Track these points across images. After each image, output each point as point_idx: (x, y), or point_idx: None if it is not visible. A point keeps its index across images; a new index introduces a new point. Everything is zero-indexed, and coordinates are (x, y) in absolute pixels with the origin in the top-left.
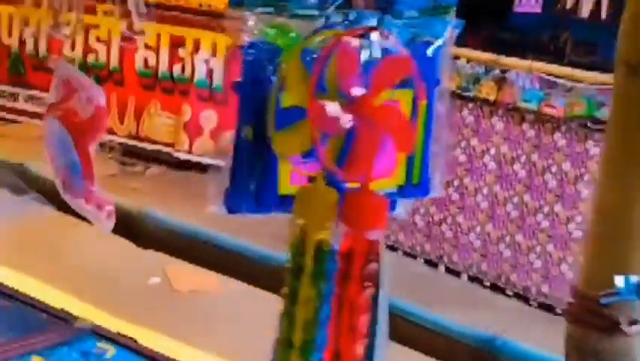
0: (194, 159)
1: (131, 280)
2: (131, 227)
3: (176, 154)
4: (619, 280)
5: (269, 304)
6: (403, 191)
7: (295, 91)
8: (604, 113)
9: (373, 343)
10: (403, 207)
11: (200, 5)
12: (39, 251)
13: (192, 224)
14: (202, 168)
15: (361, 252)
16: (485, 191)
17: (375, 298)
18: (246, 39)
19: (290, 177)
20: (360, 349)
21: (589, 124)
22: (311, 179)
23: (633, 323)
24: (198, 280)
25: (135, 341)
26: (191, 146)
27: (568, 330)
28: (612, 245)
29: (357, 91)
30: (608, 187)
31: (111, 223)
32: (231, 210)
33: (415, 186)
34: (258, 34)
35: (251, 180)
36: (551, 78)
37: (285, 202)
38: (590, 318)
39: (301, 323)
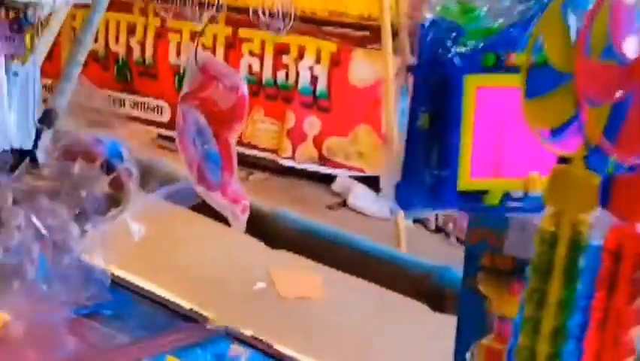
0: (297, 165)
1: (237, 283)
2: (263, 226)
3: (279, 160)
4: None
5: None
6: None
7: (555, 50)
8: None
9: None
10: None
11: (304, 12)
12: (162, 250)
13: (327, 225)
14: (305, 175)
15: (633, 250)
16: None
17: None
18: (426, 16)
19: (471, 170)
20: None
21: None
22: (566, 160)
23: None
24: (304, 286)
25: (270, 346)
26: (294, 152)
27: None
28: None
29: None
30: None
31: (245, 218)
32: (404, 206)
33: None
34: (440, 11)
35: (426, 174)
36: None
37: (464, 199)
38: None
39: (548, 331)
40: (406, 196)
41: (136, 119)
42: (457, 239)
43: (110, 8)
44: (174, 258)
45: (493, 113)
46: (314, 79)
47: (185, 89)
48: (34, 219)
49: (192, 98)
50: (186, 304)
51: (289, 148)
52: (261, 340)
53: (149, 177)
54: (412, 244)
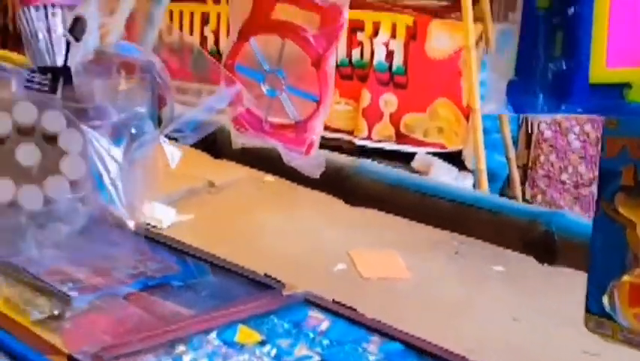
0: (374, 145)
1: (316, 265)
2: (342, 181)
3: (355, 141)
4: None
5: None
6: None
7: None
8: None
9: None
10: None
11: None
12: (223, 232)
13: (412, 176)
14: (382, 154)
15: None
16: None
17: None
18: None
19: (607, 58)
20: None
21: None
22: None
23: None
24: (387, 266)
25: (355, 310)
26: (370, 132)
27: None
28: None
29: None
30: None
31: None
32: (519, 107)
33: None
34: None
35: (547, 65)
36: None
37: (597, 94)
38: None
39: None
40: (521, 95)
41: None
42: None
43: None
44: (250, 242)
45: None
46: (389, 54)
47: None
48: (98, 145)
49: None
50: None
51: (365, 128)
52: (343, 305)
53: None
54: None
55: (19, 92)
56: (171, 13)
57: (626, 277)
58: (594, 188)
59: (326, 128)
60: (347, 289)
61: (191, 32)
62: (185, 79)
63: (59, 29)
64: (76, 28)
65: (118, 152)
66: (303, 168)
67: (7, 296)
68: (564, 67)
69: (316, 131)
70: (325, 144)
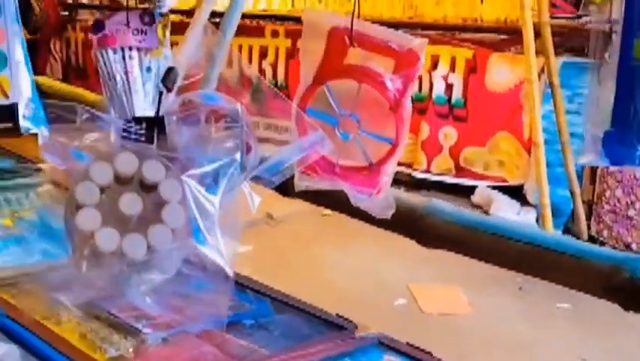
0: (433, 178)
1: (375, 299)
2: (414, 222)
3: (414, 174)
4: None
5: (523, 326)
6: None
7: None
8: None
9: None
10: None
11: (437, 20)
12: (281, 264)
13: (485, 217)
14: (441, 188)
15: None
16: None
17: None
18: None
19: None
20: None
21: None
22: None
23: None
24: (448, 302)
25: (430, 354)
26: (429, 165)
27: None
28: None
29: None
30: None
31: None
32: (616, 159)
33: None
34: None
35: None
36: None
37: None
38: None
39: None
40: (618, 147)
41: (267, 140)
42: (613, 248)
43: (242, 33)
44: (309, 275)
45: None
46: (449, 87)
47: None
48: (195, 192)
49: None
50: (332, 312)
51: (424, 161)
52: (417, 347)
53: None
54: None
55: (118, 143)
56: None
57: None
58: None
59: None
60: (407, 324)
61: (250, 66)
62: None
63: (136, 71)
64: (169, 78)
65: (214, 198)
66: (372, 209)
67: (83, 332)
68: None
69: (389, 173)
70: None
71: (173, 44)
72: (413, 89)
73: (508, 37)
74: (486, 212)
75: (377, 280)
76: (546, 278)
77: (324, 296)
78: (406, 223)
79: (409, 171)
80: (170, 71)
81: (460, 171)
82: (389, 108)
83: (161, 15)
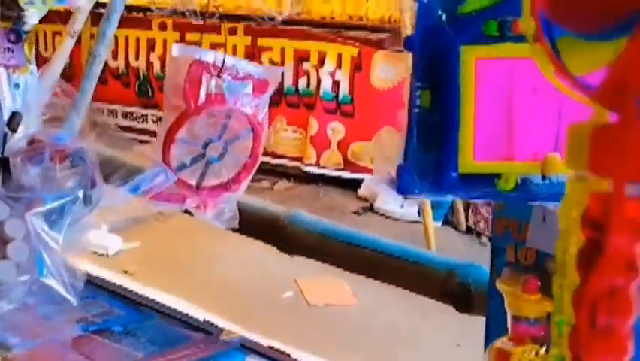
0: (323, 172)
1: (263, 292)
2: (278, 231)
3: (304, 168)
4: None
5: (407, 315)
6: None
7: None
8: None
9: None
10: None
11: (324, 18)
12: (168, 261)
13: (344, 227)
14: (330, 181)
15: (618, 218)
16: None
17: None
18: None
19: (474, 153)
20: None
21: None
22: None
23: None
24: (333, 294)
25: (289, 356)
26: (318, 159)
27: None
28: None
29: None
30: None
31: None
32: (403, 190)
33: None
34: None
35: (427, 157)
36: None
37: (469, 184)
38: None
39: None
40: (406, 181)
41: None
42: (490, 239)
43: (129, 25)
44: (195, 271)
45: (499, 89)
46: (335, 84)
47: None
48: (38, 229)
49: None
50: (201, 316)
51: (313, 155)
52: (277, 350)
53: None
54: (442, 246)
55: None
56: (117, 38)
57: (496, 343)
58: None
59: (274, 154)
60: (294, 316)
61: (137, 58)
62: (128, 103)
63: (4, 88)
64: (14, 122)
65: (57, 235)
66: (219, 221)
67: None
68: (439, 159)
69: (241, 189)
70: (273, 170)
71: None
72: (266, 109)
73: (392, 35)
74: (372, 205)
75: (265, 274)
76: (394, 283)
77: (211, 292)
78: (270, 231)
79: (298, 165)
80: (14, 115)
81: (348, 165)
82: (250, 130)
83: (26, 32)
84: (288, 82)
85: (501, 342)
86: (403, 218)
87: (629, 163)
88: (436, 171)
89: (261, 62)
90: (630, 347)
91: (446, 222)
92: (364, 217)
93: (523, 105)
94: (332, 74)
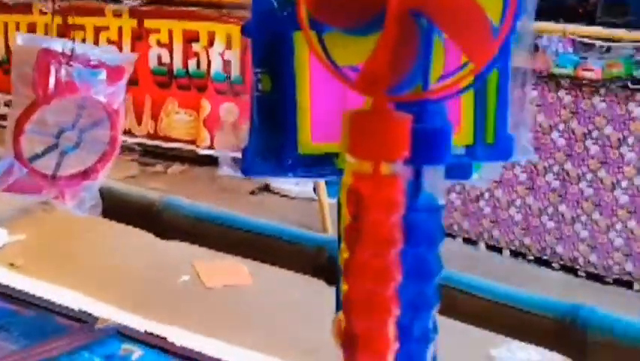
0: (217, 153)
1: (160, 278)
2: (152, 217)
3: (198, 150)
4: None
5: (302, 292)
6: (475, 153)
7: None
8: None
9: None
10: (486, 172)
11: None
12: (56, 253)
13: (219, 209)
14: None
15: (376, 195)
16: (523, 163)
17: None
18: None
19: (312, 134)
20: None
21: (629, 85)
22: None
23: None
24: (230, 275)
25: (165, 340)
26: (212, 141)
27: None
28: None
29: None
30: None
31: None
32: (247, 171)
33: (490, 146)
34: None
35: (269, 139)
36: (586, 40)
37: (306, 163)
38: None
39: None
40: (249, 162)
41: None
42: None
43: (9, 10)
44: (84, 261)
45: None
46: (226, 64)
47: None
48: None
49: None
50: (76, 306)
51: (207, 137)
52: (154, 335)
53: None
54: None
55: None
56: None
57: (339, 315)
58: None
59: (167, 138)
60: (192, 300)
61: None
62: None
63: None
64: None
65: None
66: (80, 210)
67: None
68: (281, 140)
69: (102, 176)
70: (166, 153)
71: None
72: (124, 96)
73: None
74: (267, 184)
75: (159, 259)
76: (267, 262)
77: (103, 282)
78: (145, 218)
79: (192, 147)
80: None
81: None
82: (106, 117)
83: None
84: (178, 64)
85: (339, 316)
86: (298, 196)
87: (383, 145)
88: (278, 152)
89: (148, 45)
90: (394, 310)
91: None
92: (260, 197)
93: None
94: (222, 55)
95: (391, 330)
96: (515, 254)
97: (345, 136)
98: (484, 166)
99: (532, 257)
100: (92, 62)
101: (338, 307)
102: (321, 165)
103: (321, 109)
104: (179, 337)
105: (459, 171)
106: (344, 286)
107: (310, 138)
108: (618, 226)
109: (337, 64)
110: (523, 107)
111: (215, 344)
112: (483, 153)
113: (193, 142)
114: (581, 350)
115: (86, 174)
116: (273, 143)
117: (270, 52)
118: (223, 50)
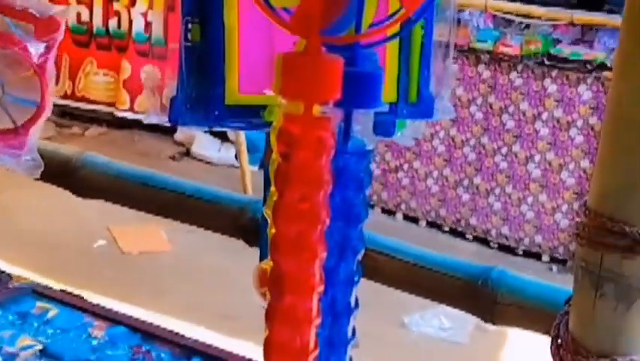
0: (137, 117)
1: (74, 243)
2: (69, 175)
3: (117, 113)
4: None
5: (221, 257)
6: (398, 110)
7: None
8: (560, 50)
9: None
10: (409, 131)
11: None
12: None
13: (136, 168)
14: (145, 126)
15: (308, 137)
16: (442, 135)
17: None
18: None
19: (239, 86)
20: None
21: (546, 61)
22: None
23: None
24: (147, 241)
25: (82, 298)
26: (132, 103)
27: (580, 254)
28: (630, 152)
29: None
30: (622, 80)
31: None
32: (175, 120)
33: (413, 105)
34: None
35: (198, 89)
36: (506, 16)
37: (233, 115)
38: (607, 238)
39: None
40: (177, 111)
41: None
42: None
43: None
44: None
45: (260, 24)
46: (148, 25)
47: None
48: None
49: None
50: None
51: (127, 100)
52: (70, 293)
53: None
54: (258, 189)
55: None
56: None
57: (262, 263)
58: None
59: (85, 99)
60: (107, 265)
61: None
62: None
63: None
64: None
65: None
66: (20, 170)
67: None
68: (209, 91)
69: (35, 134)
70: (84, 115)
71: None
72: (55, 53)
73: None
74: (188, 149)
75: (76, 222)
76: (188, 222)
77: (20, 244)
78: (62, 175)
79: (111, 110)
80: None
81: (164, 109)
82: (33, 72)
83: None
84: (98, 22)
85: (265, 263)
86: (220, 163)
87: (315, 87)
88: (206, 102)
89: (67, 2)
90: (321, 252)
91: (262, 165)
92: (181, 163)
93: (282, 40)
94: (144, 15)
95: (318, 272)
96: (431, 225)
97: (278, 78)
98: (408, 125)
99: (447, 228)
100: (20, 14)
101: (262, 258)
102: (248, 117)
103: (249, 60)
104: (94, 300)
105: (382, 127)
106: (272, 231)
107: (238, 90)
108: (530, 200)
109: (272, 5)
110: (445, 68)
111: (130, 308)
112: (406, 111)
113: (112, 104)
114: (490, 311)
115: (16, 131)
116: (201, 93)
117: (201, 0)
118: (145, 9)
